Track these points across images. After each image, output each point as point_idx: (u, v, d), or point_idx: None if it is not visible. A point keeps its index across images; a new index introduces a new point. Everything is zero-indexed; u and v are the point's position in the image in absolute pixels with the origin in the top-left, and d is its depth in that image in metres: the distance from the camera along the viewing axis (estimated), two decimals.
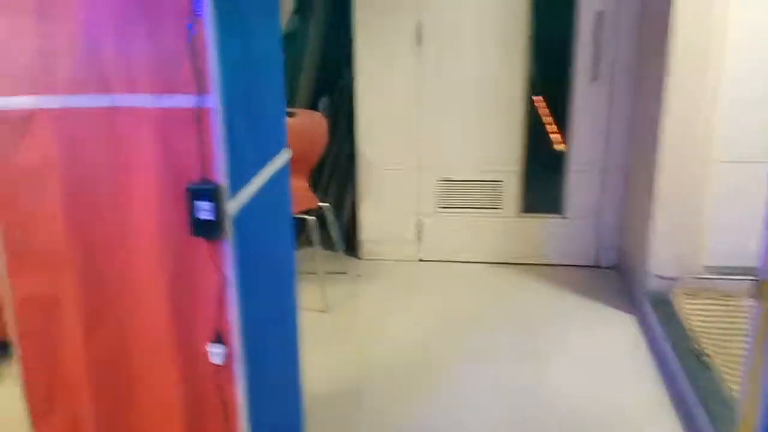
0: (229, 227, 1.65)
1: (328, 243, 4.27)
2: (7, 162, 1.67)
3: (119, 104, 1.59)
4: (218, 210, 1.62)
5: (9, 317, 1.85)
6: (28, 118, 1.62)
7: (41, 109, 1.61)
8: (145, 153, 1.61)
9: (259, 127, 1.94)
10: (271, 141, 2.09)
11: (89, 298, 1.77)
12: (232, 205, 1.67)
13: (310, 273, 3.88)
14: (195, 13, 1.52)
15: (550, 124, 4.94)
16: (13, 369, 1.94)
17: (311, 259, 4.03)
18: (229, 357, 1.76)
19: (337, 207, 4.42)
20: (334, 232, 4.14)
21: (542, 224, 4.18)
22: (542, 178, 4.24)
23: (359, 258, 4.33)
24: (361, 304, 3.78)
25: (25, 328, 1.84)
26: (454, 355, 3.20)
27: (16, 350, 1.89)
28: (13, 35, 1.58)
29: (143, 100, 1.58)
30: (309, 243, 3.94)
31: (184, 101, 1.57)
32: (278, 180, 2.13)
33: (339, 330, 3.48)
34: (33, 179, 1.67)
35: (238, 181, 1.72)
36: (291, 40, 4.42)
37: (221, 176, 1.62)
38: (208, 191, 1.60)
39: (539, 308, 3.67)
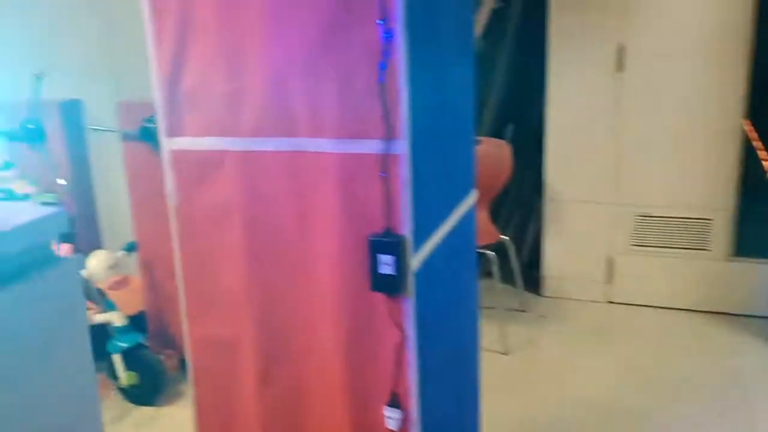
0: (411, 283, 1.51)
1: (507, 277, 4.04)
2: (192, 201, 1.66)
3: (303, 148, 1.52)
4: (401, 265, 1.48)
5: (187, 354, 1.85)
6: (216, 159, 1.61)
7: (228, 151, 1.58)
8: (327, 200, 1.52)
9: (448, 170, 1.79)
10: (459, 184, 1.93)
11: (265, 343, 1.72)
12: (416, 259, 1.53)
13: (488, 308, 3.68)
14: (387, 52, 1.40)
15: None
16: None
17: (490, 293, 3.82)
18: (405, 422, 1.62)
19: (519, 240, 4.17)
20: (515, 267, 3.90)
21: (758, 269, 3.65)
22: (760, 217, 3.70)
23: (541, 295, 4.05)
24: (543, 348, 3.51)
25: (201, 367, 1.82)
26: (646, 423, 2.83)
27: (191, 388, 1.89)
28: (206, 77, 1.57)
29: (327, 145, 1.50)
30: (487, 274, 3.74)
31: (370, 146, 1.46)
32: (464, 222, 1.97)
33: (518, 375, 3.24)
34: (216, 220, 1.65)
35: (424, 232, 1.58)
36: (477, 65, 4.26)
37: (406, 228, 1.48)
38: (391, 244, 1.47)
39: (756, 373, 3.17)
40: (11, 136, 3.12)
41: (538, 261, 4.07)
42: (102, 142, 3.21)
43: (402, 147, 1.45)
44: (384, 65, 1.42)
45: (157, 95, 1.62)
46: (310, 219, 1.56)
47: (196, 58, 1.57)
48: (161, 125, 1.63)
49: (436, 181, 1.67)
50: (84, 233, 3.17)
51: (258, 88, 1.52)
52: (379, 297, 1.54)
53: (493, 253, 3.46)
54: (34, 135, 3.07)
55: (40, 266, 1.40)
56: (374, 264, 1.48)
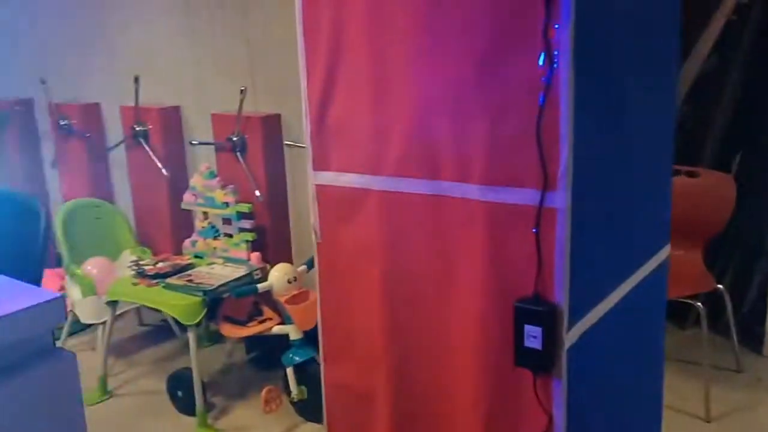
0: (562, 361, 1.29)
1: (720, 331, 3.51)
2: (335, 238, 1.59)
3: (447, 193, 1.37)
4: (550, 339, 1.27)
5: (324, 401, 1.78)
6: (359, 197, 1.51)
7: (371, 189, 1.48)
8: (472, 252, 1.35)
9: (627, 224, 1.52)
10: (645, 238, 1.65)
11: (401, 401, 1.59)
12: (572, 333, 1.30)
13: (691, 363, 3.21)
14: (548, 87, 1.20)
15: None
16: None
17: (696, 347, 3.34)
18: None
19: (738, 288, 3.60)
20: (731, 320, 3.36)
21: None
22: None
23: (762, 354, 3.46)
24: (759, 418, 2.97)
25: (334, 414, 1.74)
26: None
27: None
28: (353, 109, 1.47)
29: (474, 192, 1.33)
30: (694, 324, 3.27)
31: (523, 197, 1.27)
32: (651, 283, 1.68)
33: None
34: (356, 260, 1.56)
35: (585, 301, 1.34)
36: (706, 84, 3.75)
37: (560, 295, 1.27)
38: (539, 314, 1.26)
39: None
40: (218, 147, 3.32)
41: (762, 314, 3.48)
42: (297, 154, 3.29)
43: (561, 200, 1.23)
44: (543, 100, 1.21)
45: (305, 126, 1.57)
46: (452, 271, 1.40)
47: (344, 89, 1.49)
48: (308, 157, 1.58)
49: (608, 239, 1.42)
50: (274, 245, 3.28)
51: (404, 124, 1.40)
52: (526, 372, 1.34)
53: (702, 306, 3.01)
54: (237, 147, 3.23)
55: (37, 359, 1.26)
56: (519, 335, 1.29)
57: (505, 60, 1.24)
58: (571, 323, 1.29)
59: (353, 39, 1.45)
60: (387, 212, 1.49)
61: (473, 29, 1.26)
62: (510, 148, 1.27)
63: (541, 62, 1.19)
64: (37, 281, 1.30)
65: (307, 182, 1.62)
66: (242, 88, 3.17)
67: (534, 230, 1.26)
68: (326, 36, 1.49)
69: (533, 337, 1.27)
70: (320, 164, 1.59)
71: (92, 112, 3.89)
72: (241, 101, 3.18)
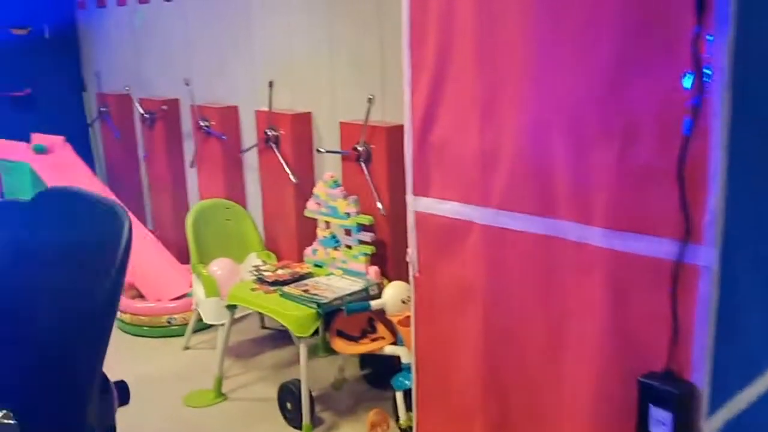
0: None
1: None
2: (433, 272, 1.41)
3: (561, 234, 1.15)
4: (684, 427, 1.02)
5: None
6: (461, 229, 1.33)
7: (473, 222, 1.29)
8: (586, 308, 1.12)
9: None
10: None
11: None
12: (714, 422, 1.04)
13: None
14: (695, 110, 0.95)
15: None
16: None
17: None
18: None
19: None
20: None
21: None
22: None
23: None
24: None
25: None
26: None
27: None
28: (458, 131, 1.29)
29: (595, 236, 1.10)
30: None
31: (657, 247, 1.02)
32: None
33: None
34: (455, 300, 1.38)
35: (731, 382, 1.07)
36: None
37: (701, 373, 1.01)
38: (671, 395, 1.01)
39: None
40: (343, 157, 3.24)
41: None
42: None
43: (707, 255, 0.98)
44: (690, 128, 0.97)
45: (406, 145, 1.40)
46: (563, 326, 1.18)
47: (449, 105, 1.31)
48: (408, 180, 1.41)
49: (765, 304, 1.13)
50: (393, 261, 3.14)
51: (513, 148, 1.20)
52: None
53: None
54: (361, 157, 3.13)
55: None
56: (643, 417, 1.05)
57: (638, 76, 1.01)
58: (713, 408, 1.03)
59: (461, 50, 1.28)
60: (490, 250, 1.29)
61: (598, 39, 1.04)
62: (642, 184, 1.03)
63: (686, 81, 0.95)
64: (114, 293, 1.23)
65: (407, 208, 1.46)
66: (369, 97, 3.07)
67: (669, 290, 1.01)
68: (433, 47, 1.32)
69: (661, 423, 1.02)
70: (420, 188, 1.43)
71: (230, 114, 3.96)
72: (368, 110, 3.07)
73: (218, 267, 3.52)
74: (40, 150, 4.47)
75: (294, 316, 2.84)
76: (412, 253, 1.48)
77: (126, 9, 4.78)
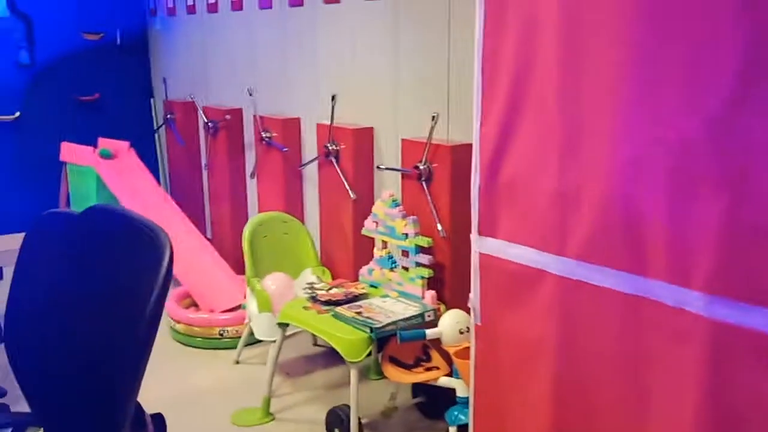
0: None
1: None
2: (496, 324, 1.28)
3: (652, 295, 1.00)
4: None
5: None
6: (531, 278, 1.19)
7: (546, 272, 1.15)
8: (678, 386, 0.97)
9: None
10: None
11: None
12: None
13: None
14: None
15: None
16: None
17: None
18: None
19: None
20: None
21: None
22: None
23: None
24: None
25: None
26: None
27: None
28: (531, 167, 1.16)
29: (695, 300, 0.94)
30: None
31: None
32: None
33: None
34: (519, 358, 1.24)
35: None
36: None
37: None
38: None
39: None
40: (404, 175, 3.13)
41: None
42: None
43: None
44: None
45: (473, 179, 1.28)
46: (648, 404, 1.03)
47: (524, 138, 1.18)
48: (473, 218, 1.28)
49: None
50: (452, 287, 3.00)
51: (598, 190, 1.05)
52: None
53: None
54: (423, 176, 3.02)
55: None
56: None
57: (761, 113, 0.85)
58: None
59: (541, 77, 1.14)
60: (565, 304, 1.15)
61: (716, 62, 0.88)
62: (754, 245, 0.87)
63: None
64: (152, 322, 1.15)
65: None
66: (434, 115, 2.95)
67: None
68: (508, 73, 1.19)
69: None
70: (487, 228, 1.29)
71: (292, 126, 3.91)
72: (432, 128, 2.96)
73: (272, 281, 3.46)
74: (106, 155, 4.53)
75: (345, 339, 2.74)
76: (474, 299, 1.35)
77: (194, 17, 4.81)
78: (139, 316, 1.25)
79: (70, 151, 4.66)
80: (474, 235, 1.32)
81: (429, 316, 2.84)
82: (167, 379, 3.43)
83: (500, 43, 1.19)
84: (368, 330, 2.72)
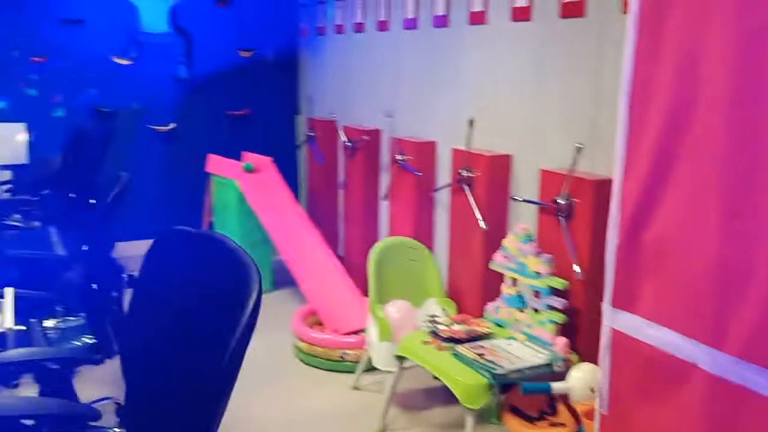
0: None
1: None
2: (625, 418, 1.04)
3: None
4: None
5: None
6: (676, 370, 0.95)
7: (696, 366, 0.91)
8: None
9: None
10: None
11: None
12: None
13: None
14: None
15: None
16: None
17: None
18: None
19: None
20: None
21: None
22: None
23: None
24: None
25: None
26: None
27: None
28: (689, 227, 0.93)
29: None
30: None
31: None
32: None
33: None
34: None
35: None
36: None
37: None
38: None
39: None
40: (541, 208, 2.91)
41: None
42: None
43: None
44: None
45: (609, 236, 1.06)
46: None
47: (677, 196, 0.95)
48: (607, 285, 1.07)
49: None
50: (586, 336, 2.72)
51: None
52: None
53: None
54: (562, 211, 2.78)
55: None
56: None
57: None
58: None
59: (704, 117, 0.91)
60: (719, 413, 0.90)
61: None
62: None
63: None
64: (236, 354, 1.07)
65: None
66: (578, 145, 2.71)
67: None
68: (661, 109, 0.97)
69: None
70: (623, 299, 1.07)
71: (427, 150, 3.79)
72: (575, 160, 2.71)
73: (395, 309, 3.34)
74: (249, 169, 4.64)
75: (463, 383, 2.55)
76: (602, 382, 1.13)
77: (342, 37, 4.84)
78: (223, 350, 1.16)
79: (216, 164, 4.83)
80: (607, 306, 1.10)
81: (558, 366, 2.59)
82: (283, 398, 3.41)
83: (653, 77, 0.97)
84: (489, 376, 2.52)
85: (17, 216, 3.90)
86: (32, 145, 4.93)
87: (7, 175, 4.85)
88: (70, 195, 4.14)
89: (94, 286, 2.52)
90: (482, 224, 3.20)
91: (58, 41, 4.96)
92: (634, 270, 1.03)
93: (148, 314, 1.76)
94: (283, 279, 4.46)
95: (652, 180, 1.00)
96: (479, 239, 3.28)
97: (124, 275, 2.89)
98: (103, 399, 1.98)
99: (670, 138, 0.97)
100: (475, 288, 3.34)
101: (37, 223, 3.91)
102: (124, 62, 5.17)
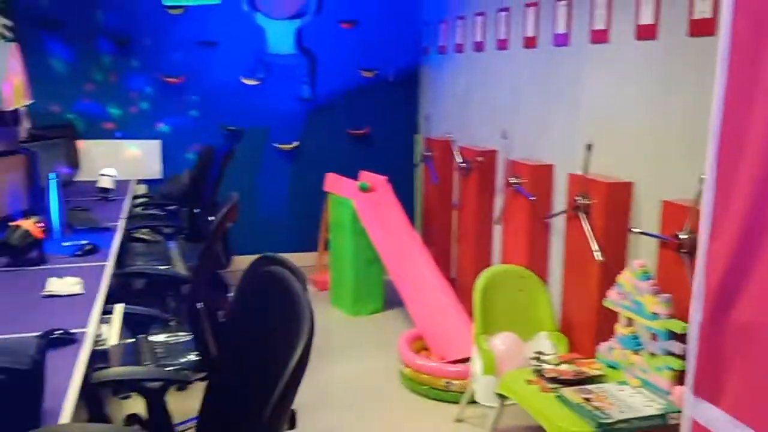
0: None
1: None
2: None
3: None
4: None
5: None
6: None
7: None
8: None
9: None
10: None
11: None
12: None
13: None
14: None
15: None
16: None
17: None
18: None
19: None
20: None
21: None
22: None
23: None
24: None
25: None
26: None
27: None
28: None
29: None
30: None
31: None
32: None
33: None
34: None
35: None
36: None
37: None
38: None
39: None
40: (662, 243, 2.67)
41: None
42: None
43: None
44: None
45: (691, 318, 0.90)
46: None
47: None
48: (688, 371, 0.91)
49: None
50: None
51: None
52: None
53: None
54: (685, 248, 2.54)
55: None
56: None
57: None
58: None
59: None
60: None
61: None
62: None
63: None
64: (284, 400, 1.04)
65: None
66: (703, 177, 2.45)
67: None
68: (755, 161, 0.81)
69: None
70: (706, 388, 0.93)
71: (543, 174, 3.62)
72: (699, 192, 2.46)
73: (501, 342, 3.20)
74: (364, 188, 4.66)
75: (565, 430, 2.37)
76: None
77: (462, 56, 4.76)
78: (272, 388, 1.13)
79: (333, 182, 4.89)
80: (688, 394, 0.94)
81: (673, 418, 2.35)
82: (384, 424, 3.36)
83: (745, 122, 0.81)
84: (594, 424, 2.33)
85: (145, 230, 4.12)
86: (165, 161, 5.23)
87: (143, 189, 5.18)
88: (195, 211, 4.34)
89: (200, 305, 2.58)
90: (598, 256, 2.99)
91: (194, 63, 5.24)
92: (718, 354, 0.87)
93: (232, 336, 1.77)
94: (395, 299, 4.42)
95: (742, 245, 0.84)
96: (594, 272, 3.07)
97: (229, 295, 2.96)
98: (191, 420, 2.02)
99: (766, 197, 0.81)
100: (588, 324, 3.13)
101: (161, 238, 4.12)
102: (252, 83, 5.38)
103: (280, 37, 5.38)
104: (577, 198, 3.17)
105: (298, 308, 1.20)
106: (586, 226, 3.10)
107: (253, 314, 1.55)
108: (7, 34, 4.80)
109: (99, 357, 2.12)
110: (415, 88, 5.65)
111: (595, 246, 3.02)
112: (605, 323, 2.92)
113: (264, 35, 5.35)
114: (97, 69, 5.12)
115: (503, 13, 4.10)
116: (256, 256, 1.76)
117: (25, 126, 4.67)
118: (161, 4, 4.93)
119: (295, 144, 5.50)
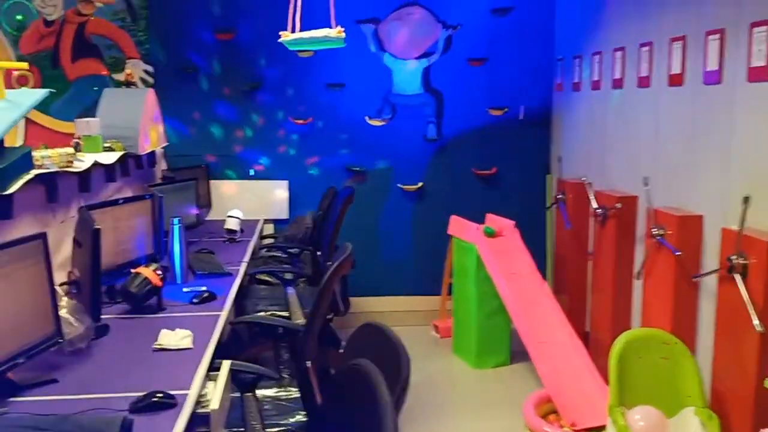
0: None
1: None
2: None
3: None
4: None
5: None
6: None
7: None
8: None
9: None
10: None
11: None
12: None
13: None
14: None
15: None
16: None
17: None
18: None
19: None
20: None
21: None
22: None
23: None
24: None
25: None
26: None
27: None
28: None
29: None
30: None
31: None
32: None
33: None
34: None
35: None
36: None
37: None
38: None
39: None
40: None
41: None
42: None
43: None
44: None
45: None
46: None
47: None
48: None
49: None
50: None
51: None
52: None
53: None
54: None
55: None
56: None
57: None
58: None
59: None
60: None
61: None
62: None
63: None
64: None
65: None
66: (745, 197, 2.03)
67: None
68: None
69: None
70: None
71: (691, 226, 3.22)
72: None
73: (641, 417, 2.85)
74: (489, 233, 4.43)
75: None
76: None
77: (598, 93, 4.45)
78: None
79: (457, 225, 4.70)
80: None
81: None
82: None
83: None
84: None
85: (265, 274, 4.11)
86: (292, 202, 5.27)
87: (270, 228, 5.24)
88: (317, 253, 4.29)
89: (308, 363, 2.46)
90: (757, 325, 2.58)
91: (323, 104, 5.27)
92: None
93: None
94: (522, 350, 4.07)
95: None
96: (753, 344, 2.65)
97: (341, 350, 2.83)
98: None
99: None
100: (745, 404, 2.71)
101: (278, 282, 4.09)
102: (378, 123, 5.32)
103: (407, 77, 5.30)
104: (731, 257, 2.78)
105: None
106: (742, 290, 2.70)
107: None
108: (149, 79, 5.06)
109: (200, 421, 2.04)
110: (547, 127, 5.37)
111: (753, 314, 2.61)
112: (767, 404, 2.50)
113: (391, 76, 5.30)
114: (232, 112, 5.27)
115: (645, 48, 3.76)
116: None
117: (161, 167, 4.86)
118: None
119: (419, 184, 5.37)
